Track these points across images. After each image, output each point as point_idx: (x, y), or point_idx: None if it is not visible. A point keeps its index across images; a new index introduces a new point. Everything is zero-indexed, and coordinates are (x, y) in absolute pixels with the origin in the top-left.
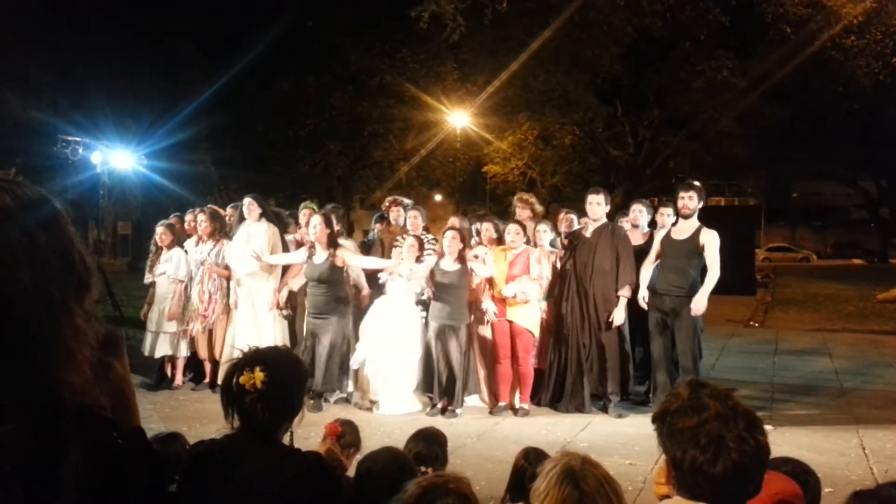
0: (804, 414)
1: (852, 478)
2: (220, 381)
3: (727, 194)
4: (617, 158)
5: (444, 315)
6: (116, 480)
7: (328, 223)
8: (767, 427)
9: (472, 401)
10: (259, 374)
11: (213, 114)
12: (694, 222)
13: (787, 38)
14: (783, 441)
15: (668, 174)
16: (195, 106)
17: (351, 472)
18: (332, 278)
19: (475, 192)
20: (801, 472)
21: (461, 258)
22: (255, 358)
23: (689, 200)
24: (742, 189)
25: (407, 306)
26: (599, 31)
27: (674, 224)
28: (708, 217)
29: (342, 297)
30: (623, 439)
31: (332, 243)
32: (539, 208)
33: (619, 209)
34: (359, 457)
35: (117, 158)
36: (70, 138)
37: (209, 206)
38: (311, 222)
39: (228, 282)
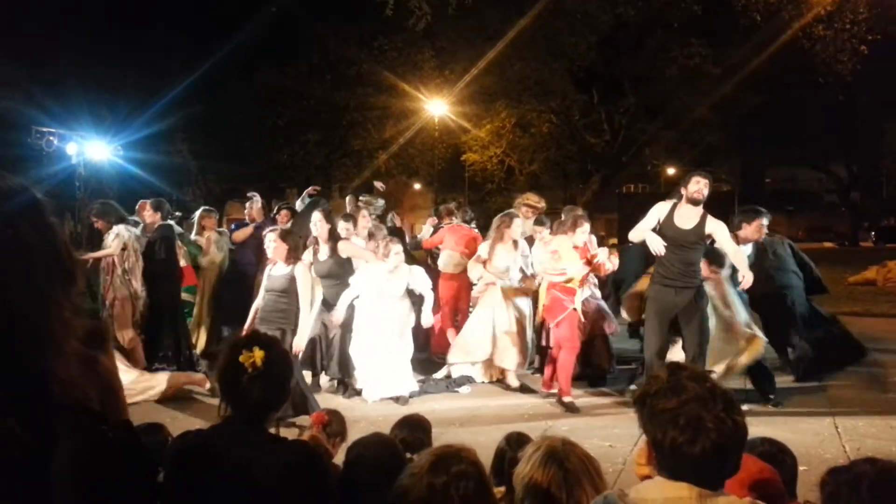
0: (779, 393)
1: (826, 456)
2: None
3: (686, 175)
4: (594, 146)
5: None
6: (106, 473)
7: (328, 219)
8: (743, 407)
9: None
10: (259, 353)
11: (191, 104)
12: (700, 210)
13: (758, 26)
14: (759, 421)
15: (643, 161)
16: (172, 96)
17: (337, 460)
18: (339, 272)
19: (454, 181)
20: (777, 452)
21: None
22: (254, 338)
23: (705, 188)
24: (716, 175)
25: (394, 295)
26: (575, 19)
27: (674, 207)
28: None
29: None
30: (602, 422)
31: (333, 238)
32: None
33: (596, 195)
34: (345, 445)
35: (93, 149)
36: (44, 129)
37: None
38: (312, 219)
39: (124, 270)
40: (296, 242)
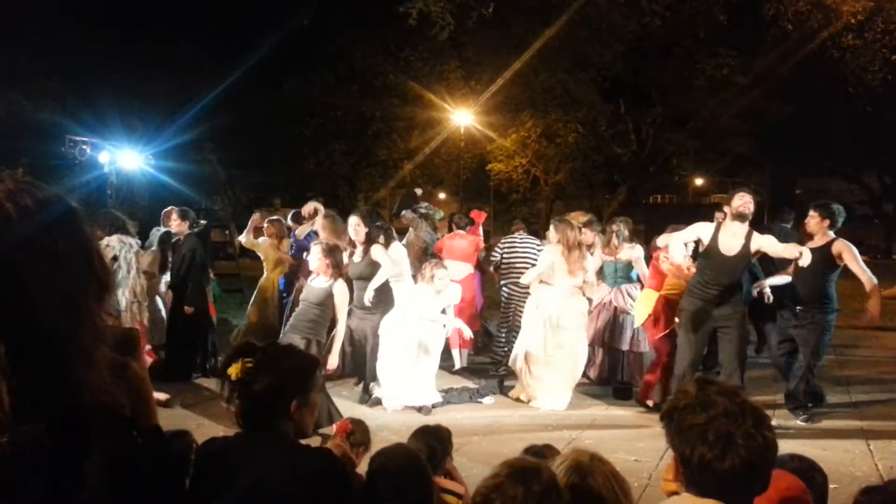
0: (808, 409)
1: (857, 474)
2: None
3: (730, 191)
4: (620, 156)
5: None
6: (136, 479)
7: (366, 222)
8: (773, 423)
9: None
10: (236, 366)
11: (219, 114)
12: (745, 227)
13: (788, 35)
14: (787, 437)
15: (671, 172)
16: (201, 106)
17: (360, 470)
18: (372, 273)
19: (479, 190)
20: (807, 469)
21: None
22: (243, 350)
23: (751, 202)
24: (745, 186)
25: (430, 314)
26: (600, 29)
27: (718, 228)
28: (712, 213)
29: (386, 293)
30: (628, 436)
31: (369, 241)
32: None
33: (622, 206)
34: (368, 455)
35: (125, 158)
36: (78, 138)
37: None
38: (350, 222)
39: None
40: (338, 259)
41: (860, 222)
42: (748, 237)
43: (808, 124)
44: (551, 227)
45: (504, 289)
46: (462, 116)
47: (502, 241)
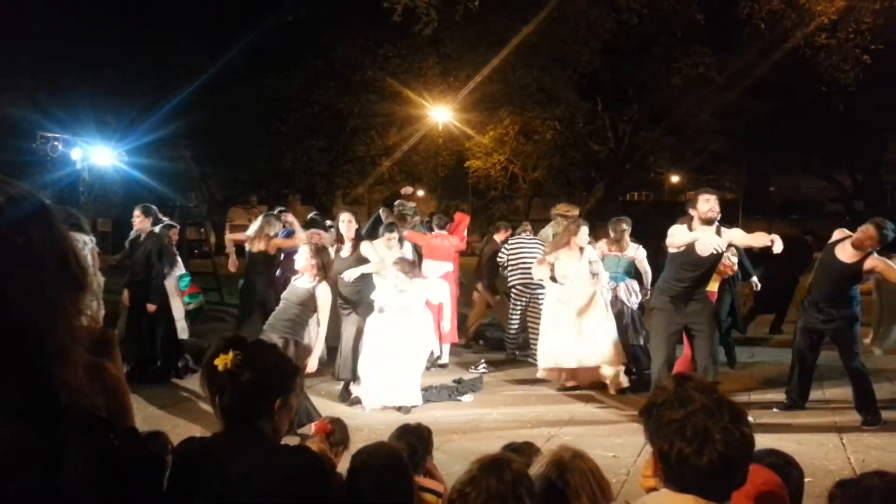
0: (782, 405)
1: (831, 467)
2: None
3: (696, 193)
4: (597, 153)
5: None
6: (113, 481)
7: (356, 220)
8: (749, 419)
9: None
10: (223, 358)
11: (194, 110)
12: (713, 228)
13: (762, 34)
14: (762, 432)
15: (647, 169)
16: (176, 102)
17: (340, 469)
18: None
19: (457, 188)
20: (784, 464)
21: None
22: (233, 341)
23: (716, 204)
24: (720, 183)
25: (408, 310)
26: (578, 27)
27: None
28: (686, 210)
29: (368, 289)
30: (606, 432)
31: (359, 237)
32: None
33: (600, 203)
34: (347, 454)
35: (97, 155)
36: (49, 134)
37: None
38: (342, 218)
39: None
40: (325, 261)
41: (832, 219)
42: (717, 234)
43: (783, 123)
44: (584, 228)
45: (513, 290)
46: (440, 113)
47: (509, 242)
